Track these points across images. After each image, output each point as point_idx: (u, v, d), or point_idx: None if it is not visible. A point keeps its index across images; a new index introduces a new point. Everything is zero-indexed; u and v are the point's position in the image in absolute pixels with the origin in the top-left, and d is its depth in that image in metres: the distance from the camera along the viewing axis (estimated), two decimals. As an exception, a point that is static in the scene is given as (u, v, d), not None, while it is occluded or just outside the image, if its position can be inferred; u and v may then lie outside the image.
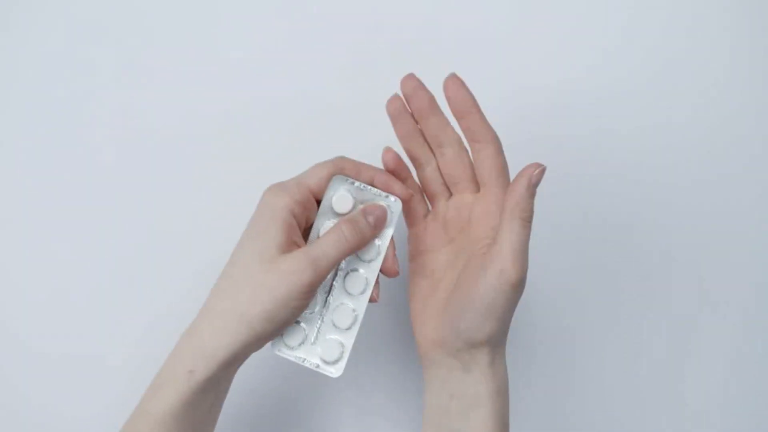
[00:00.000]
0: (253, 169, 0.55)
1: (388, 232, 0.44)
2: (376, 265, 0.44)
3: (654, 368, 0.58)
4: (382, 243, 0.44)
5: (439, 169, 0.46)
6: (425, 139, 0.45)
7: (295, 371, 0.52)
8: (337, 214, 0.44)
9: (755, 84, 0.59)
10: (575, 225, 0.58)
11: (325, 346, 0.44)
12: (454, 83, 0.43)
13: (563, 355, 0.58)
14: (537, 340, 0.57)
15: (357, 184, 0.44)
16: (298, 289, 0.39)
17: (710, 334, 0.58)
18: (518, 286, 0.41)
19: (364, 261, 0.45)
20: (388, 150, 0.45)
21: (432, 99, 0.44)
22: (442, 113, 0.44)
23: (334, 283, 0.45)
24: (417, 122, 0.45)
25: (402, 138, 0.45)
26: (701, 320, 0.58)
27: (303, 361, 0.44)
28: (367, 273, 0.44)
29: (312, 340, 0.44)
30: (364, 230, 0.43)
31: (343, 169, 0.43)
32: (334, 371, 0.44)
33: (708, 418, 0.58)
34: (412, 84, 0.43)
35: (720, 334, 0.58)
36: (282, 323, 0.40)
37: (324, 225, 0.44)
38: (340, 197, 0.44)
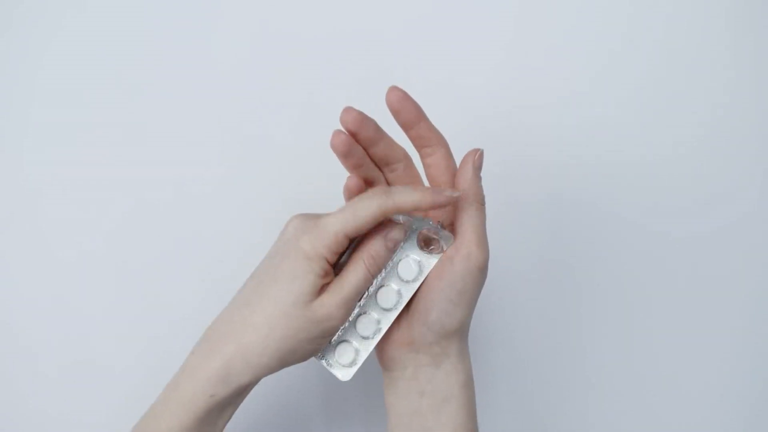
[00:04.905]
0: (263, 180, 0.56)
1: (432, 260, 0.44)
2: (415, 285, 0.44)
3: (620, 361, 0.60)
4: (423, 262, 0.44)
5: (388, 183, 0.46)
6: (371, 159, 0.45)
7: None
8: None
9: (749, 94, 0.59)
10: (563, 218, 0.59)
11: (341, 349, 0.44)
12: (398, 96, 0.42)
13: (530, 348, 0.59)
14: (506, 335, 0.59)
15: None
16: (331, 331, 0.42)
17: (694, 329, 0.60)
18: (484, 268, 0.43)
19: (403, 280, 0.44)
20: (351, 178, 0.44)
21: (376, 125, 0.43)
22: (386, 133, 0.44)
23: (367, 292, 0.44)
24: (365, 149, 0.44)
25: (355, 169, 0.44)
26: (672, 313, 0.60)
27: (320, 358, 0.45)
28: (402, 289, 0.44)
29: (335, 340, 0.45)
30: (384, 258, 0.43)
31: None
32: (342, 375, 0.44)
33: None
34: (354, 116, 0.42)
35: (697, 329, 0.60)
36: (308, 354, 0.43)
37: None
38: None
